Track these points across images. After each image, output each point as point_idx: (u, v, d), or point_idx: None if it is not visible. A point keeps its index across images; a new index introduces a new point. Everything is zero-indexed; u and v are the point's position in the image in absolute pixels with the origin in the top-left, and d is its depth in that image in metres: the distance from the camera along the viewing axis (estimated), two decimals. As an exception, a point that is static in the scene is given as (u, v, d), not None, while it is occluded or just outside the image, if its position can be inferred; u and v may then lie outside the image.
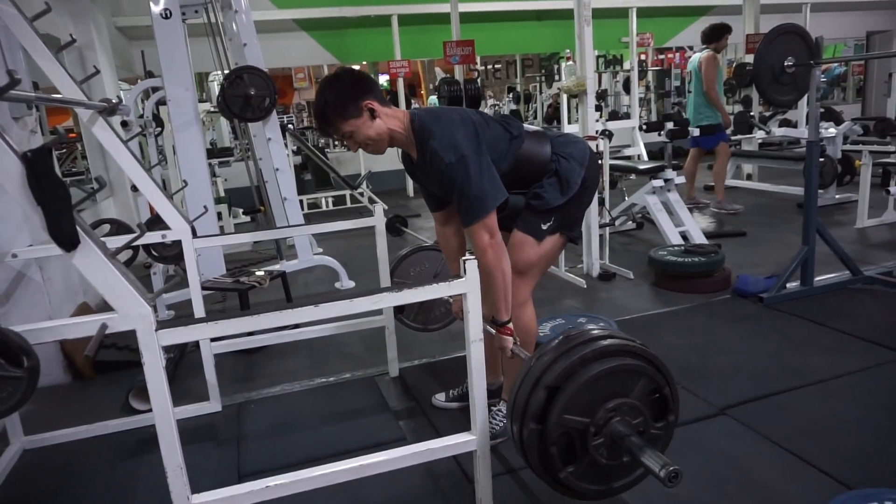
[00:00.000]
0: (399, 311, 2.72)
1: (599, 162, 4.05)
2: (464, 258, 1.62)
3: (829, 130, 5.67)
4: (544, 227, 2.09)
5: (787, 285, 3.54)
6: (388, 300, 1.64)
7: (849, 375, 2.58)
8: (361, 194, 7.33)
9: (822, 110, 4.24)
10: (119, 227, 3.34)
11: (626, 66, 10.72)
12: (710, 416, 2.35)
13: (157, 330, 1.41)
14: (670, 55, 11.95)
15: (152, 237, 2.53)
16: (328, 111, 1.90)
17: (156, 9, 3.80)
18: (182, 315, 3.92)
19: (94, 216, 4.26)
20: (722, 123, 5.66)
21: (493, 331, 1.99)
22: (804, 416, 2.30)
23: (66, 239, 1.31)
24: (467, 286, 1.62)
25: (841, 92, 12.73)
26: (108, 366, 3.14)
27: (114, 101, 2.38)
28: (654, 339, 3.04)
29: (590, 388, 1.51)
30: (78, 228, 1.33)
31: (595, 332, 1.61)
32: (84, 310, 3.35)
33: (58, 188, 1.30)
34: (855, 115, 9.49)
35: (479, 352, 1.69)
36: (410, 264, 2.74)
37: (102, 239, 2.52)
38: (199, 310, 2.55)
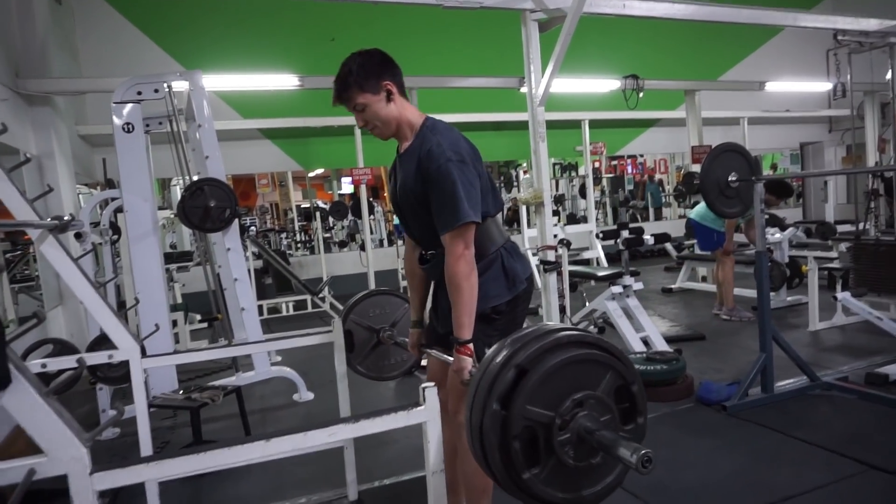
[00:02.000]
0: (349, 349, 2.59)
1: (559, 270, 4.14)
2: (422, 386, 1.57)
3: (775, 236, 5.93)
4: (487, 350, 2.05)
5: (749, 392, 3.55)
6: (345, 432, 1.57)
7: (815, 491, 2.54)
8: (323, 299, 7.25)
9: (766, 217, 4.45)
10: (63, 348, 3.19)
11: (582, 171, 11.23)
12: (682, 539, 2.26)
13: (91, 474, 1.30)
14: (623, 162, 12.59)
15: (98, 357, 2.42)
16: (350, 78, 1.91)
17: (118, 122, 3.86)
18: (127, 432, 3.69)
19: (41, 332, 4.08)
20: (721, 231, 5.64)
21: (450, 359, 1.90)
22: (776, 537, 2.23)
23: (-3, 379, 1.23)
24: (426, 415, 1.56)
25: (782, 202, 13.46)
26: (40, 496, 2.88)
27: (66, 216, 2.34)
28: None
29: (557, 377, 1.38)
30: (10, 366, 1.26)
31: (565, 326, 1.51)
32: (18, 434, 3.13)
33: (-8, 325, 1.23)
34: (797, 219, 10.00)
35: (439, 482, 1.61)
36: (371, 305, 2.64)
37: (43, 361, 2.40)
38: (144, 435, 2.39)
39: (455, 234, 1.85)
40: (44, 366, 2.37)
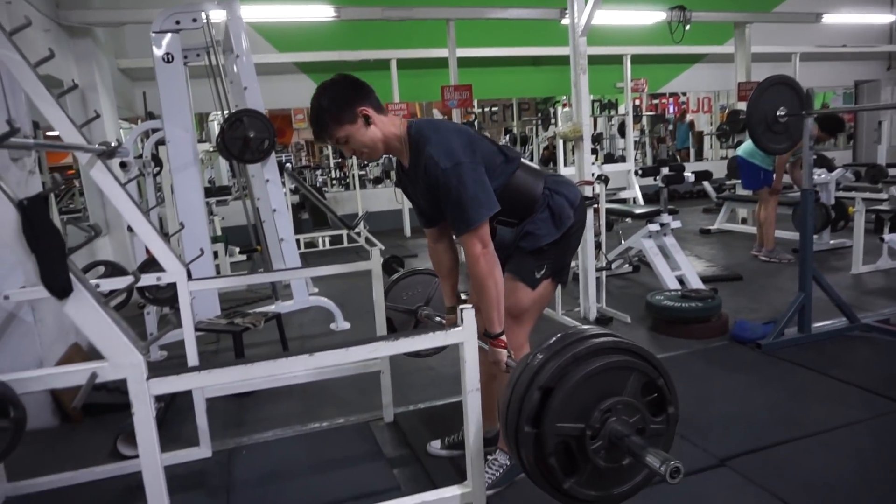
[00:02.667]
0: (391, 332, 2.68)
1: (596, 206, 4.09)
2: (461, 307, 1.61)
3: (822, 177, 5.73)
4: (538, 274, 2.09)
5: (785, 332, 3.52)
6: (384, 349, 1.62)
7: (848, 427, 2.54)
8: (358, 234, 7.34)
9: (814, 157, 4.29)
10: (114, 270, 3.33)
11: (622, 110, 10.94)
12: (710, 467, 2.30)
13: (148, 379, 1.39)
14: (664, 100, 12.20)
15: (147, 279, 2.51)
16: (324, 116, 1.91)
17: (158, 53, 3.87)
18: (174, 355, 3.87)
19: (90, 255, 4.25)
20: (769, 170, 5.53)
21: (487, 346, 1.95)
22: (804, 469, 2.26)
23: (59, 287, 1.30)
24: (464, 335, 1.60)
25: (832, 138, 12.93)
26: (97, 408, 3.08)
27: (113, 143, 2.40)
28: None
29: (582, 390, 1.44)
30: (71, 276, 1.32)
31: (584, 331, 1.55)
32: (75, 351, 3.31)
33: (52, 236, 1.29)
34: (846, 161, 9.63)
35: (475, 401, 1.67)
36: (403, 288, 2.72)
37: (96, 282, 2.51)
38: (191, 354, 2.51)
39: (469, 235, 1.89)
40: (97, 285, 2.48)
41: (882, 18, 9.24)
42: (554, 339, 1.51)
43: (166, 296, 3.39)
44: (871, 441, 2.44)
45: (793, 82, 3.43)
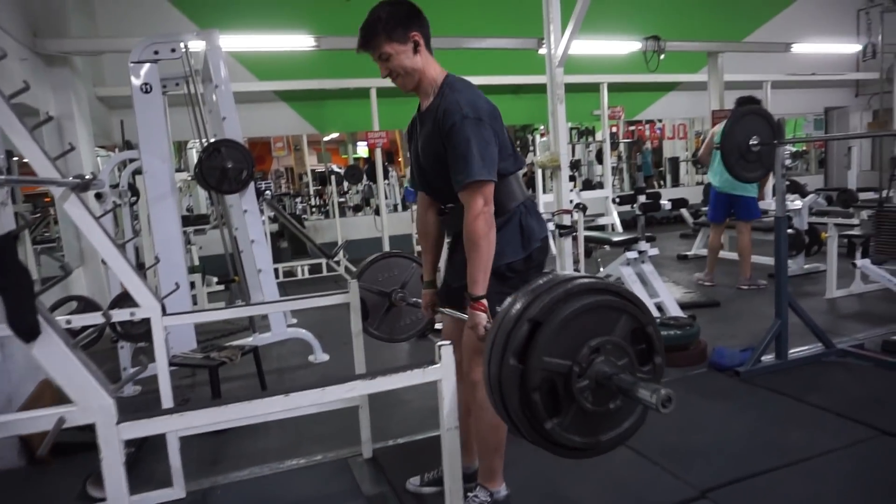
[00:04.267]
0: (364, 317, 2.65)
1: (574, 234, 4.13)
2: (438, 343, 1.60)
3: (795, 203, 5.84)
4: (499, 308, 2.08)
5: (763, 358, 3.55)
6: (361, 388, 1.60)
7: (828, 454, 2.56)
8: (338, 263, 7.30)
9: (787, 183, 4.35)
10: (87, 305, 3.26)
11: (599, 136, 11.09)
12: (692, 499, 2.29)
13: (118, 423, 1.35)
14: (640, 127, 12.40)
15: (120, 315, 2.47)
16: (378, 26, 1.91)
17: (136, 83, 3.85)
18: (149, 390, 3.79)
19: (63, 289, 4.16)
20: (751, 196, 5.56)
21: (464, 317, 1.94)
22: (785, 499, 2.26)
23: (27, 330, 1.26)
24: (442, 372, 1.59)
25: (804, 163, 13.24)
26: (66, 448, 2.98)
27: (88, 175, 2.37)
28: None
29: (571, 327, 1.39)
30: (39, 318, 1.29)
31: (576, 274, 1.52)
32: (46, 386, 3.22)
33: (20, 277, 1.26)
34: (818, 186, 9.83)
35: (454, 439, 1.64)
36: (378, 270, 2.69)
37: (67, 318, 2.46)
38: (165, 392, 2.46)
39: (472, 190, 1.87)
40: (69, 322, 2.43)
41: (849, 48, 9.53)
42: (544, 279, 1.48)
43: (140, 331, 3.33)
44: (851, 468, 2.45)
45: (764, 112, 3.52)
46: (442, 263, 2.36)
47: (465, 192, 1.89)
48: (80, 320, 2.45)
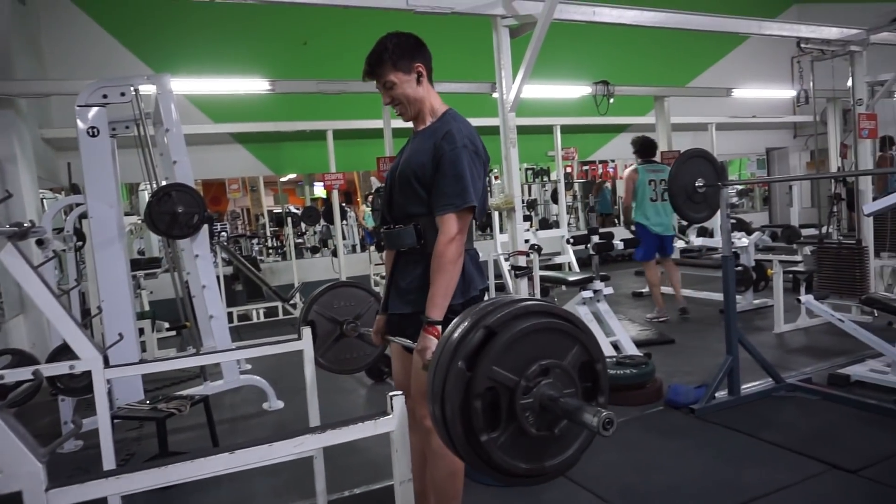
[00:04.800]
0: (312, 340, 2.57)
1: (530, 276, 4.15)
2: (390, 394, 1.56)
3: (742, 240, 6.03)
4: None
5: (717, 395, 3.60)
6: (311, 442, 1.54)
7: (783, 490, 2.59)
8: (294, 306, 7.18)
9: (733, 221, 4.50)
10: (22, 359, 3.11)
11: (554, 176, 11.32)
12: (651, 542, 2.28)
13: (47, 490, 1.26)
14: (594, 167, 12.72)
15: (59, 368, 2.35)
16: (385, 55, 1.98)
17: (83, 126, 3.77)
18: (91, 444, 3.60)
19: (1, 339, 3.97)
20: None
21: (413, 344, 1.93)
22: (743, 538, 2.27)
23: (-53, 394, 1.19)
24: (394, 424, 1.55)
25: (749, 201, 13.75)
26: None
27: (26, 223, 2.28)
28: (592, 456, 2.96)
29: (525, 343, 1.37)
30: (-38, 380, 1.22)
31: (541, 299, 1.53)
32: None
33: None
34: (764, 223, 10.21)
35: (408, 492, 1.60)
36: (336, 297, 2.64)
37: (0, 373, 2.33)
38: (106, 448, 2.33)
39: (453, 216, 1.91)
40: (1, 377, 2.30)
41: (785, 93, 10.04)
42: (508, 297, 1.48)
43: (82, 384, 3.18)
44: (804, 505, 2.48)
45: (708, 155, 3.65)
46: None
47: (447, 217, 1.91)
48: (13, 375, 2.32)
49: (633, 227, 5.98)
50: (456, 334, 1.39)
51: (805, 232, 7.77)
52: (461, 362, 1.35)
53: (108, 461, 2.33)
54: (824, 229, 6.38)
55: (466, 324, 1.39)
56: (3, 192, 2.75)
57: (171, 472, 1.38)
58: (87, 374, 2.36)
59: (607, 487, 2.62)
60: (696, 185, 3.56)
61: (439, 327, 1.89)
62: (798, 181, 9.37)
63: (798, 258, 5.87)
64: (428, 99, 2.07)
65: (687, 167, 3.57)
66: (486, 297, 2.13)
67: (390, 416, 1.55)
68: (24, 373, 2.23)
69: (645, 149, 6.08)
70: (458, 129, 1.97)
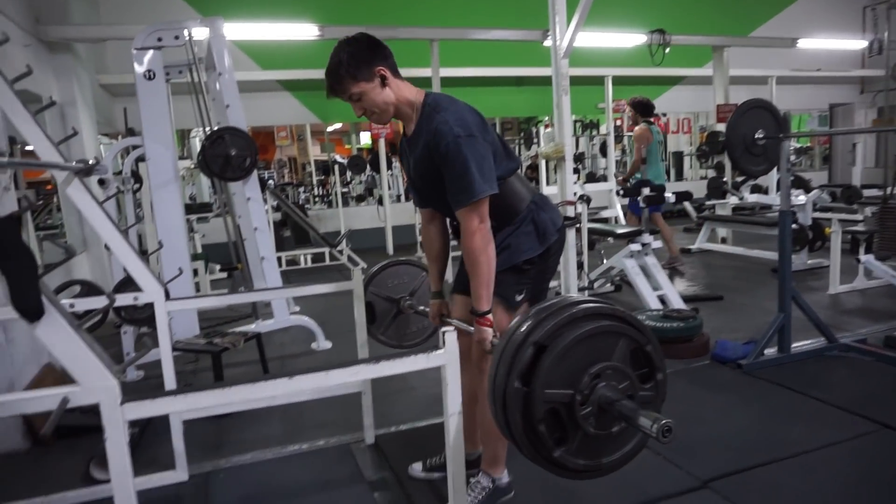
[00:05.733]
0: (370, 320, 2.66)
1: (578, 226, 4.11)
2: (442, 329, 1.59)
3: (800, 198, 5.83)
4: (518, 297, 2.08)
5: (765, 352, 3.55)
6: (365, 372, 1.60)
7: (829, 447, 2.56)
8: (341, 252, 7.30)
9: (791, 178, 4.31)
10: (90, 289, 3.26)
11: (603, 129, 11.06)
12: (693, 489, 2.30)
13: (122, 404, 1.35)
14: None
15: (124, 299, 2.46)
16: (341, 69, 1.89)
17: (139, 70, 3.84)
18: (152, 375, 3.80)
19: (66, 274, 4.17)
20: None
21: (471, 328, 1.96)
22: (787, 491, 2.26)
23: (30, 310, 1.26)
24: (446, 358, 1.59)
25: (808, 160, 13.19)
26: (70, 431, 3.00)
27: (91, 160, 2.36)
28: (634, 406, 3.01)
29: (573, 352, 1.43)
30: (43, 298, 1.29)
31: (579, 297, 1.56)
32: (49, 371, 3.23)
33: (24, 257, 1.26)
34: (822, 183, 9.81)
35: (457, 424, 1.64)
36: (389, 276, 2.69)
37: (70, 301, 2.46)
38: (168, 375, 2.47)
39: (469, 209, 1.87)
40: (72, 305, 2.43)
41: (855, 44, 9.50)
42: (549, 301, 1.51)
43: (143, 316, 3.33)
44: (851, 462, 2.45)
45: (770, 106, 3.50)
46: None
47: (462, 212, 1.89)
48: (83, 304, 2.45)
49: (630, 183, 6.07)
50: (507, 351, 1.46)
51: (867, 193, 7.43)
52: (517, 382, 1.43)
53: (171, 387, 2.46)
54: (889, 189, 6.08)
55: (517, 337, 1.46)
56: (70, 129, 2.83)
57: (233, 394, 1.45)
58: (150, 306, 2.47)
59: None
60: (756, 136, 3.44)
61: (490, 316, 1.94)
62: (863, 136, 8.90)
63: (858, 218, 5.64)
64: (400, 96, 1.96)
65: (747, 118, 3.44)
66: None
67: (442, 350, 1.59)
68: (94, 302, 2.35)
69: (647, 109, 6.25)
70: (442, 120, 1.87)
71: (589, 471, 1.50)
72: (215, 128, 4.06)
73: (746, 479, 2.34)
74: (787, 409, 2.96)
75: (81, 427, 3.01)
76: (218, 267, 6.68)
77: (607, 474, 1.52)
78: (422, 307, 2.54)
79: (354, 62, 1.89)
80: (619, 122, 10.89)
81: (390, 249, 8.53)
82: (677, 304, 4.47)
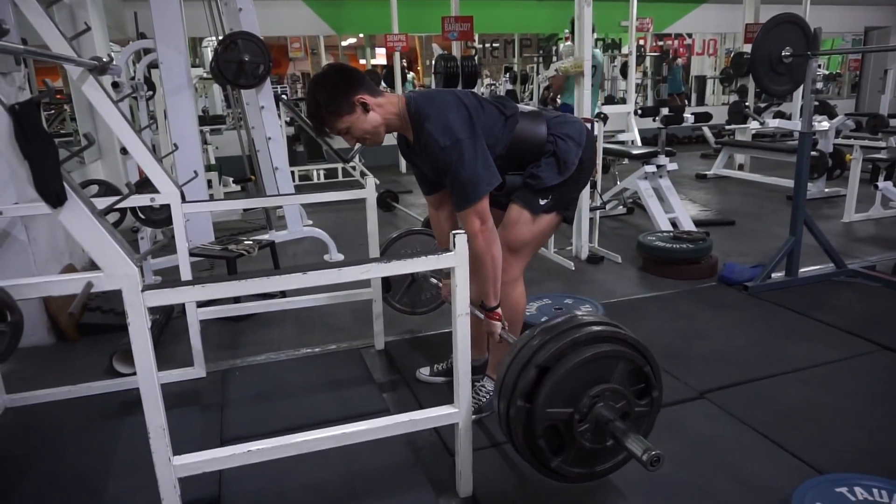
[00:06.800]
0: (386, 289, 2.75)
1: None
2: (453, 232, 1.62)
3: (822, 124, 5.69)
4: (542, 202, 2.09)
5: (773, 275, 3.57)
6: (377, 270, 1.64)
7: (827, 365, 2.62)
8: (353, 168, 7.29)
9: (816, 103, 4.22)
10: (107, 189, 3.31)
11: (625, 50, 10.70)
12: (690, 399, 2.38)
13: (143, 290, 1.40)
14: (669, 41, 11.93)
15: (140, 200, 2.51)
16: (321, 111, 1.91)
17: (150, -32, 3.73)
18: (168, 280, 3.90)
19: (82, 177, 4.21)
20: None
21: (482, 315, 2.04)
22: (781, 402, 2.34)
23: (53, 195, 1.30)
24: (456, 260, 1.62)
25: (836, 87, 12.76)
26: (92, 328, 3.13)
27: (105, 60, 2.35)
28: (638, 322, 3.07)
29: (574, 375, 1.55)
30: (65, 185, 1.32)
31: (584, 319, 1.65)
32: (69, 272, 3.33)
33: (45, 142, 1.28)
34: (849, 111, 9.52)
35: (465, 326, 1.70)
36: (402, 245, 2.78)
37: (91, 197, 2.50)
38: (186, 275, 2.54)
39: (468, 212, 1.91)
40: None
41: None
42: (556, 320, 1.63)
43: (160, 217, 3.39)
44: (847, 377, 2.52)
45: (801, 21, 3.36)
46: None
47: (462, 215, 1.93)
48: (101, 203, 2.49)
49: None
50: (511, 369, 1.60)
51: (893, 122, 7.22)
52: (520, 400, 1.57)
53: (188, 287, 2.53)
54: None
55: (521, 357, 1.60)
56: (83, 25, 2.80)
57: (249, 285, 1.50)
58: (166, 207, 2.52)
59: (652, 350, 2.69)
60: (783, 54, 3.32)
61: (499, 310, 2.03)
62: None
63: (882, 145, 5.51)
64: (385, 115, 1.94)
65: (775, 33, 3.31)
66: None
67: (453, 252, 1.62)
68: (111, 201, 2.38)
69: None
70: (428, 133, 1.86)
71: (583, 478, 1.67)
72: (228, 34, 3.98)
73: (741, 391, 2.42)
74: (789, 329, 3.02)
75: (102, 325, 3.14)
76: (231, 179, 6.71)
77: (598, 479, 1.71)
78: (434, 277, 2.59)
79: (332, 100, 1.88)
80: (641, 42, 10.53)
81: (403, 167, 8.49)
82: (688, 227, 4.47)
